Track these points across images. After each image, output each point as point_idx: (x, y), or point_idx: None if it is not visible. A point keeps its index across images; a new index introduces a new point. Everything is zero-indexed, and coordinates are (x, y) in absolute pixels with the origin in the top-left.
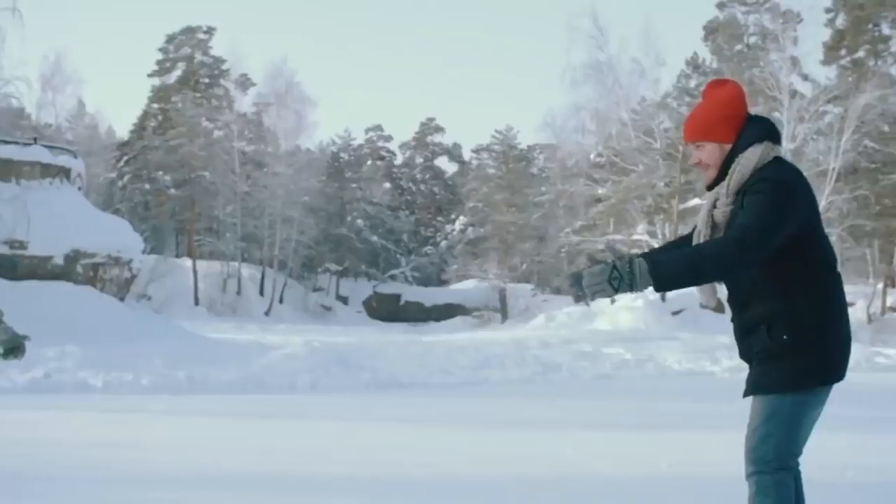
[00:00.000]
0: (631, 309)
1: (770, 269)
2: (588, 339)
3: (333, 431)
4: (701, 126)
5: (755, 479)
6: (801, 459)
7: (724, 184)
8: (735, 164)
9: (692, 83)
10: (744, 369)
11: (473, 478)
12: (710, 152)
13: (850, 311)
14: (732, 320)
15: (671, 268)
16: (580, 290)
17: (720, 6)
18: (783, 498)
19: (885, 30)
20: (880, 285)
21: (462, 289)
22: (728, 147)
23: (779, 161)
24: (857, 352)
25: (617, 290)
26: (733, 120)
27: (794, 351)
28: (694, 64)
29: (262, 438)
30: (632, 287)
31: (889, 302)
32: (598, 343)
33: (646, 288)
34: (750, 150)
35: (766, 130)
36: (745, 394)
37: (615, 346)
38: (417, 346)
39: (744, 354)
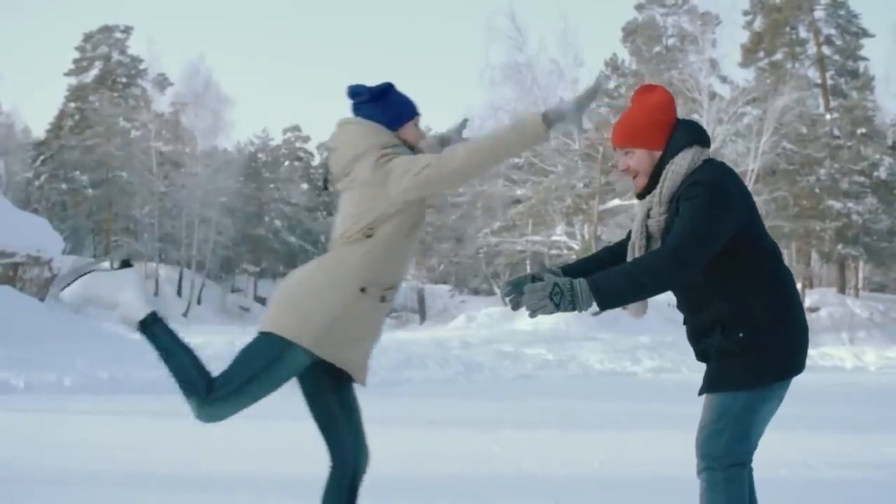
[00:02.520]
0: None
1: (717, 269)
2: (509, 339)
3: (267, 432)
4: (630, 131)
5: (705, 476)
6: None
7: (657, 192)
8: (666, 172)
9: (611, 84)
10: (665, 370)
11: (405, 477)
12: (640, 159)
13: None
14: (685, 323)
15: (612, 284)
16: (518, 298)
17: (639, 8)
18: (734, 494)
19: (802, 32)
20: (799, 286)
21: None
22: (658, 153)
23: (709, 163)
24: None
25: (558, 307)
26: (663, 126)
27: (751, 348)
28: (613, 65)
29: (193, 438)
30: (574, 305)
31: (808, 303)
32: (518, 343)
33: (589, 307)
34: (679, 155)
35: (695, 134)
36: (700, 392)
37: (536, 347)
38: None
39: (700, 356)
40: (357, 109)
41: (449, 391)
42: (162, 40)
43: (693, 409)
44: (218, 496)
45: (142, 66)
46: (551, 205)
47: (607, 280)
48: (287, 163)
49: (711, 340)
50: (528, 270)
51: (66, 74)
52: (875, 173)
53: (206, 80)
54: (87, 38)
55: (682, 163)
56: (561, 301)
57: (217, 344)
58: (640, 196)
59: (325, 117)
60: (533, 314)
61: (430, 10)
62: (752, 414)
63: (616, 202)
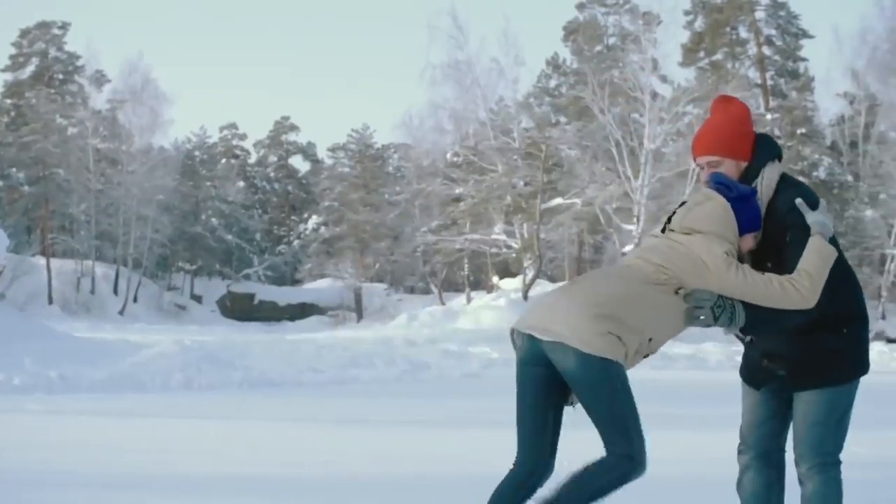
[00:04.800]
0: (494, 308)
1: None
2: (452, 338)
3: (223, 431)
4: (719, 142)
5: (821, 472)
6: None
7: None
8: (759, 185)
9: (552, 83)
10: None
11: (374, 477)
12: (727, 169)
13: None
14: (762, 325)
15: (759, 315)
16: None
17: (580, 7)
18: (841, 488)
19: (743, 33)
20: None
21: (316, 288)
22: (744, 165)
23: (791, 179)
24: (719, 351)
25: (716, 321)
26: (748, 137)
27: (852, 342)
28: (554, 64)
29: (151, 437)
30: (730, 322)
31: None
32: (462, 342)
33: (736, 330)
34: (768, 169)
35: (776, 148)
36: (796, 389)
37: (480, 346)
38: (285, 344)
39: (785, 354)
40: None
41: (398, 390)
42: (100, 37)
43: (644, 406)
44: (189, 498)
45: (79, 63)
46: (492, 203)
47: (756, 311)
48: (224, 160)
49: (813, 338)
50: (467, 269)
51: (2, 70)
52: (814, 173)
53: (145, 78)
54: (24, 33)
55: (773, 176)
56: (721, 315)
57: (165, 343)
58: None
59: (261, 115)
60: (695, 313)
61: (369, 9)
62: (852, 407)
63: (558, 201)
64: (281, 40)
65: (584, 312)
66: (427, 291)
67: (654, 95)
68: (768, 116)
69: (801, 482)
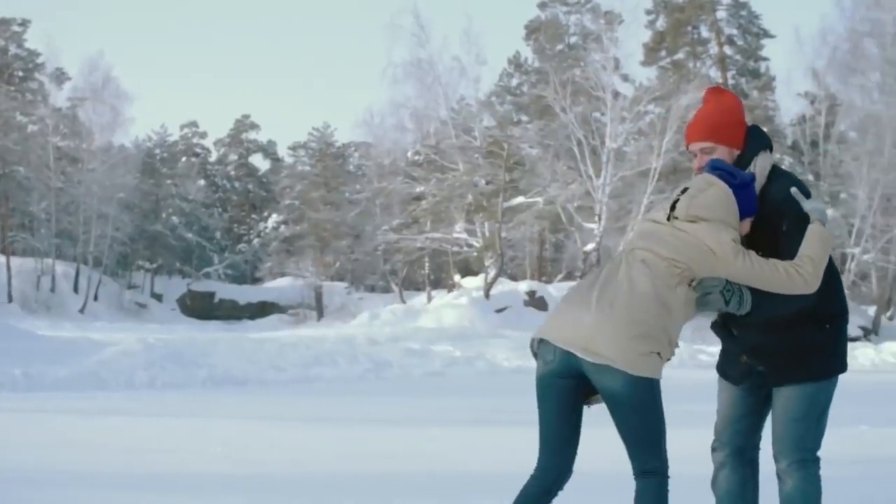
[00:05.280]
0: (455, 306)
1: None
2: (414, 336)
3: (195, 429)
4: (713, 128)
5: (801, 469)
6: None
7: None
8: (753, 172)
9: (514, 82)
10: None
11: (346, 475)
12: (720, 156)
13: None
14: (747, 316)
15: (762, 300)
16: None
17: (542, 6)
18: (820, 486)
19: (704, 32)
20: None
21: (276, 287)
22: (737, 153)
23: (784, 170)
24: (679, 349)
25: (728, 304)
26: (740, 126)
27: (836, 338)
28: (516, 63)
29: (120, 436)
30: (739, 306)
31: None
32: (424, 341)
33: (745, 312)
34: (761, 158)
35: (767, 139)
36: (779, 384)
37: (443, 344)
38: (248, 342)
39: (766, 349)
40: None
41: (362, 389)
42: (60, 35)
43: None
44: (166, 497)
45: (39, 61)
46: (454, 202)
47: (760, 295)
48: (184, 159)
49: (796, 332)
50: (427, 268)
51: None
52: None
53: (105, 76)
54: None
55: (766, 165)
56: (731, 299)
57: (128, 341)
58: None
59: (222, 114)
60: (706, 298)
61: (331, 8)
62: (830, 403)
63: (520, 199)
64: (242, 38)
65: (626, 333)
66: (387, 290)
67: (616, 94)
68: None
69: (779, 478)
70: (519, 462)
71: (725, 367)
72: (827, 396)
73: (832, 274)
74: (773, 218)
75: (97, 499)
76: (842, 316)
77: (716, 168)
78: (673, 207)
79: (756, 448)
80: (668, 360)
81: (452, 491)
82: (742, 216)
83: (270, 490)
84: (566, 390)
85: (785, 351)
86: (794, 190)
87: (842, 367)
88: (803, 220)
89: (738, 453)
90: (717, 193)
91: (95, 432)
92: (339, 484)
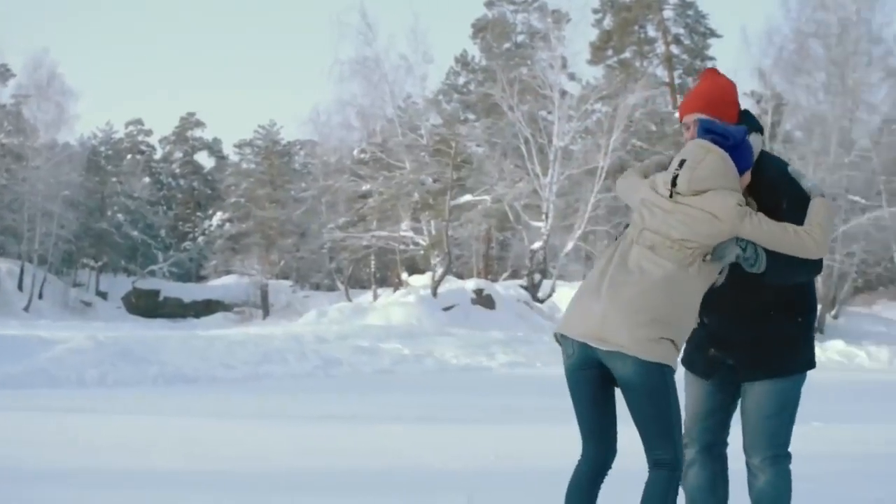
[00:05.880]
0: (403, 304)
1: None
2: (362, 334)
3: (149, 426)
4: (710, 102)
5: (775, 465)
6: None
7: None
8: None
9: (461, 80)
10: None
11: (305, 471)
12: None
13: None
14: (725, 304)
15: (777, 263)
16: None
17: (489, 5)
18: (791, 481)
19: (651, 32)
20: None
21: (221, 285)
22: None
23: (774, 155)
24: None
25: (744, 251)
26: (734, 105)
27: (807, 333)
28: (463, 61)
29: (74, 434)
30: (755, 262)
31: None
32: (373, 338)
33: (760, 269)
34: (752, 138)
35: (759, 123)
36: (753, 378)
37: (391, 342)
38: (198, 340)
39: (735, 341)
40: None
41: (311, 386)
42: (4, 32)
43: (560, 402)
44: (123, 493)
45: None
46: (401, 200)
47: (774, 256)
48: (129, 156)
49: (767, 324)
50: (373, 266)
51: None
52: None
53: (50, 73)
54: None
55: (758, 144)
56: (747, 247)
57: (79, 339)
58: None
59: (167, 111)
60: (720, 252)
61: (277, 5)
62: (799, 399)
63: (467, 197)
64: (188, 35)
65: (636, 319)
66: (333, 288)
67: (563, 93)
68: (676, 115)
69: (751, 473)
70: (477, 457)
71: (693, 360)
72: (798, 392)
73: None
74: (772, 198)
75: (60, 496)
76: (813, 311)
77: (708, 131)
78: (674, 183)
79: (725, 444)
80: (682, 348)
81: (416, 487)
82: (741, 172)
83: (230, 486)
84: (591, 381)
85: (754, 343)
86: (792, 168)
87: (811, 363)
88: (804, 197)
89: (707, 449)
90: (715, 160)
91: (51, 430)
92: (300, 480)
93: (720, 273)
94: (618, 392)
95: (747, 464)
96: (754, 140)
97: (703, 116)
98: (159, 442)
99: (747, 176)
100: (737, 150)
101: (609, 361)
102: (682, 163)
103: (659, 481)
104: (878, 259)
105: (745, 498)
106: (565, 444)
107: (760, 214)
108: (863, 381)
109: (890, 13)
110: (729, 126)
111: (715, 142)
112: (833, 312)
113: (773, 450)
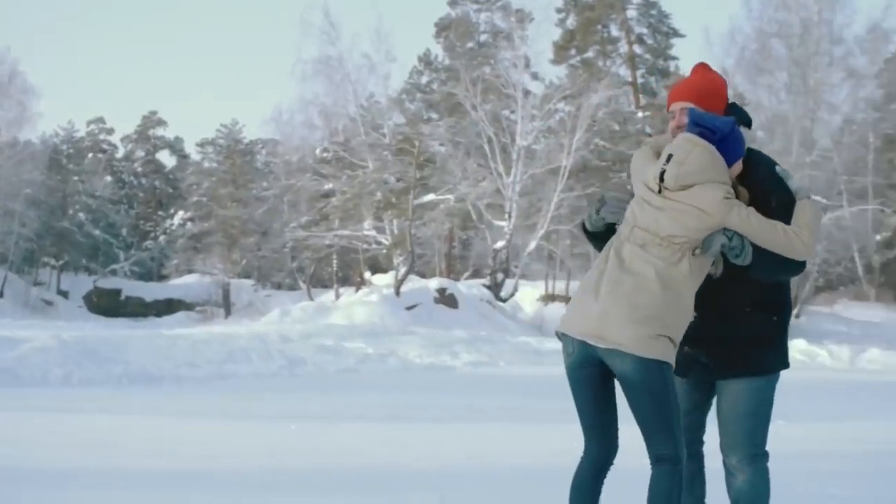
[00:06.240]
0: (366, 304)
1: None
2: (326, 333)
3: (115, 425)
4: (701, 92)
5: (752, 464)
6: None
7: None
8: None
9: (424, 80)
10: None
11: (276, 471)
12: None
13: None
14: (699, 301)
15: (763, 257)
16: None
17: (452, 4)
18: (769, 479)
19: (614, 31)
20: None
21: (183, 284)
22: None
23: (762, 152)
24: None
25: (731, 241)
26: (722, 98)
27: (782, 331)
28: (426, 61)
29: (43, 432)
30: (741, 251)
31: None
32: (337, 337)
33: (746, 261)
34: (744, 130)
35: (748, 116)
36: (727, 376)
37: (355, 341)
38: (162, 339)
39: (710, 339)
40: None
41: (277, 385)
42: None
43: (525, 401)
44: (88, 491)
45: None
46: (363, 199)
47: (760, 251)
48: (91, 155)
49: (746, 321)
50: (335, 265)
51: None
52: None
53: (12, 70)
54: None
55: (746, 136)
56: (733, 237)
57: (43, 338)
58: None
59: (129, 110)
60: (708, 240)
61: (240, 4)
62: (774, 397)
63: (431, 197)
64: (150, 34)
65: (631, 317)
66: (295, 287)
67: (526, 93)
68: (639, 114)
69: (729, 472)
70: (447, 457)
71: None
72: (773, 391)
73: None
74: (762, 196)
75: (25, 496)
76: (787, 310)
77: (696, 125)
78: (662, 178)
79: (701, 442)
80: (678, 344)
81: (388, 487)
82: (730, 164)
83: (201, 486)
84: (591, 379)
85: (728, 341)
86: (780, 168)
87: (786, 362)
88: (791, 197)
89: None
90: (702, 154)
91: (18, 428)
92: (273, 480)
93: (714, 265)
94: (618, 389)
95: (725, 463)
96: (743, 132)
97: (691, 105)
98: (127, 441)
99: (738, 166)
100: (724, 143)
101: (608, 359)
102: (669, 157)
103: (662, 477)
104: (839, 259)
105: (722, 496)
106: (533, 443)
107: (750, 208)
108: (825, 380)
109: (851, 14)
110: (717, 118)
111: (702, 135)
112: (795, 312)
113: (751, 449)
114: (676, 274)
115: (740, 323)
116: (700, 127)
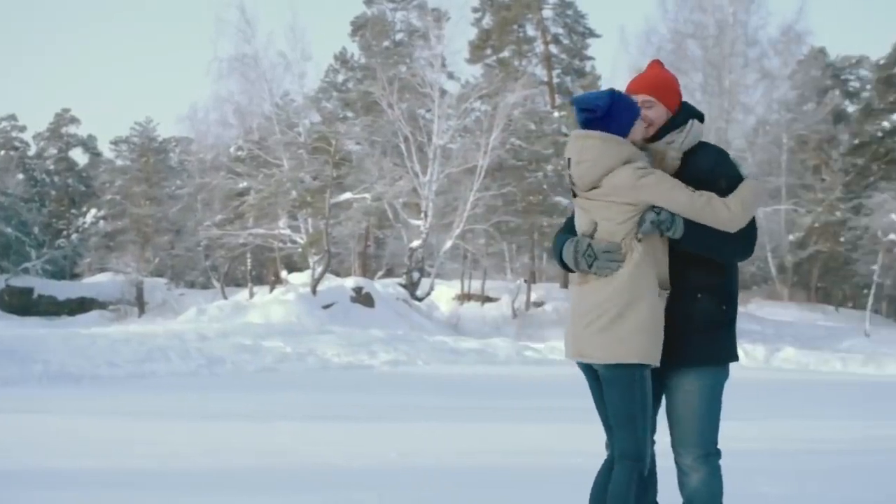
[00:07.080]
0: (282, 302)
1: None
2: (243, 332)
3: (40, 425)
4: (659, 86)
5: (706, 462)
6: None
7: (678, 142)
8: (687, 130)
9: (340, 78)
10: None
11: (208, 470)
12: (659, 113)
13: (495, 306)
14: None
15: (696, 231)
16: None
17: (368, 2)
18: (722, 478)
19: (530, 31)
20: (521, 281)
21: (96, 282)
22: (670, 115)
23: (714, 146)
24: (507, 346)
25: (658, 215)
26: (677, 93)
27: (730, 321)
28: (342, 59)
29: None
30: (672, 223)
31: (533, 297)
32: (254, 336)
33: (678, 234)
34: (696, 125)
35: (700, 113)
36: (677, 364)
37: (273, 340)
38: (80, 338)
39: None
40: (588, 123)
41: (197, 384)
42: None
43: (445, 400)
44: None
45: None
46: (279, 198)
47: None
48: (2, 153)
49: (697, 309)
50: (249, 264)
51: None
52: None
53: None
54: None
55: (699, 130)
56: (661, 212)
57: None
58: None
59: (41, 107)
60: (643, 224)
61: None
62: (722, 394)
63: (347, 196)
64: (64, 30)
65: (598, 326)
66: (208, 286)
67: (443, 92)
68: (555, 114)
69: (682, 472)
70: (378, 455)
71: None
72: (722, 388)
73: None
74: (711, 178)
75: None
76: (733, 300)
77: (581, 110)
78: (573, 182)
79: (652, 442)
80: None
81: (325, 485)
82: (625, 132)
83: (132, 486)
84: (595, 384)
85: (680, 326)
86: (733, 155)
87: (735, 355)
88: (740, 177)
89: None
90: (594, 145)
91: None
92: (206, 479)
93: (671, 230)
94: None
95: (677, 462)
96: (697, 128)
97: (647, 97)
98: (52, 442)
99: (638, 129)
100: (609, 116)
101: (591, 370)
102: (569, 162)
103: (620, 474)
104: (752, 258)
105: (674, 495)
106: (459, 441)
107: (665, 174)
108: (741, 380)
109: (765, 16)
110: (592, 94)
111: (588, 120)
112: None
113: (705, 448)
114: (630, 269)
115: (691, 310)
116: (585, 112)
